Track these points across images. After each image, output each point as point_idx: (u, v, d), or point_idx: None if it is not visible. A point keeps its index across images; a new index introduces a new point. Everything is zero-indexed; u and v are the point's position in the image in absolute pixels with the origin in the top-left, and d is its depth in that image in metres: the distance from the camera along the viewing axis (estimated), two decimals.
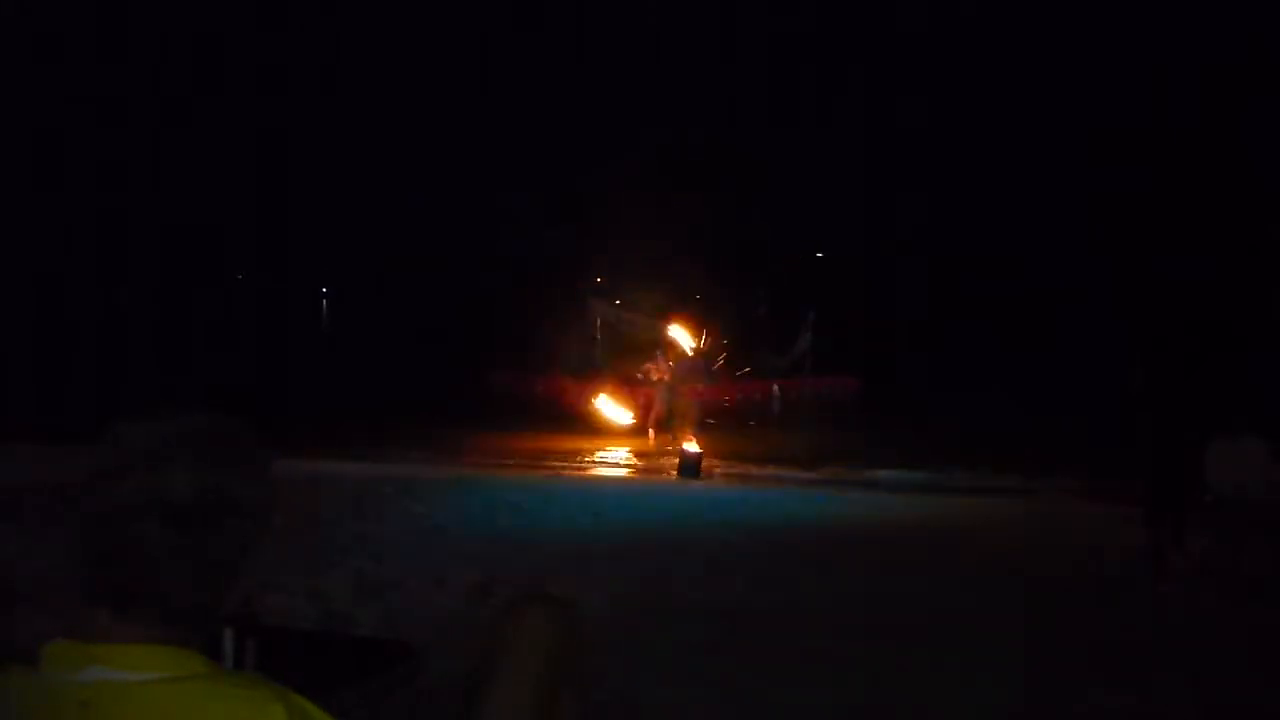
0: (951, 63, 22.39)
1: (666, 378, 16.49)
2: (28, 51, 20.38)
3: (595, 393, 17.48)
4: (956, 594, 6.17)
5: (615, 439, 16.22)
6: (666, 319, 18.70)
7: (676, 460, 12.83)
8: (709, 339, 18.33)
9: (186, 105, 22.07)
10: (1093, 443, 11.07)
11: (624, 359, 18.20)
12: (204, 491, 1.28)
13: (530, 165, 21.95)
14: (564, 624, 1.96)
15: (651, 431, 16.12)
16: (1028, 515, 9.40)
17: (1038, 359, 18.16)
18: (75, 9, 21.31)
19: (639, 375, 17.23)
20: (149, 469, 1.27)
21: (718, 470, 13.11)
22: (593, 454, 14.83)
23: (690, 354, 17.19)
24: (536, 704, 1.83)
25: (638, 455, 14.66)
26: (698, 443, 13.33)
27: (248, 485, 1.32)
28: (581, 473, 12.89)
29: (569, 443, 15.20)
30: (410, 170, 22.87)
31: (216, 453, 1.31)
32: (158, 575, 1.26)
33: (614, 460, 14.44)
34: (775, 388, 18.54)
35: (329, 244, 24.07)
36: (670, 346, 17.24)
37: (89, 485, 1.28)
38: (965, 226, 22.69)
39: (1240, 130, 19.57)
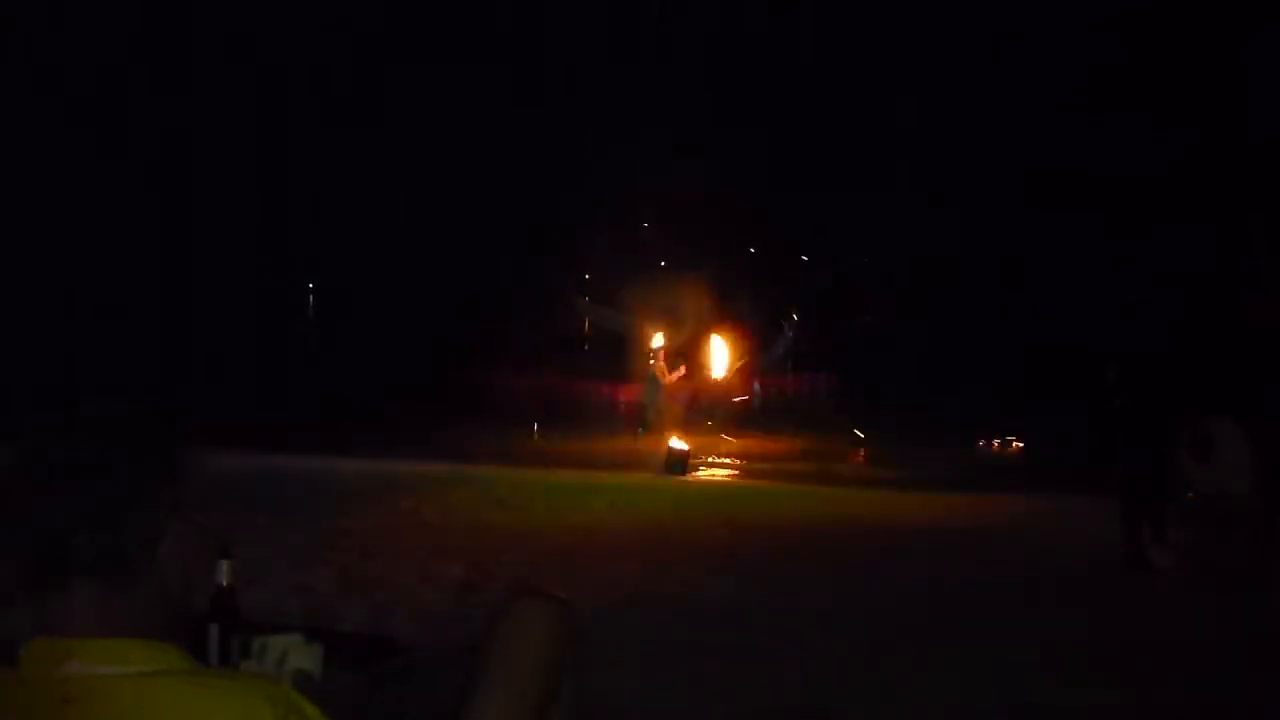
0: (947, 61, 22.36)
1: (655, 375, 16.50)
2: (24, 44, 20.20)
3: (585, 390, 17.51)
4: (947, 590, 6.19)
5: (603, 435, 16.23)
6: (655, 318, 18.72)
7: (664, 456, 12.84)
8: (697, 338, 18.35)
9: (184, 101, 21.93)
10: (1081, 439, 11.12)
11: (612, 358, 18.23)
12: (81, 447, 1.29)
13: (524, 163, 21.85)
14: (563, 622, 1.95)
15: (640, 428, 16.14)
16: (1017, 511, 9.44)
17: (1027, 356, 18.23)
18: (75, 4, 21.15)
19: (633, 372, 17.27)
20: (30, 440, 1.30)
21: (705, 466, 13.12)
22: (581, 450, 14.83)
23: (678, 353, 17.20)
24: (535, 702, 1.82)
25: (626, 451, 14.66)
26: (685, 439, 13.36)
27: (125, 434, 1.33)
28: (569, 469, 12.89)
29: (557, 439, 15.19)
30: (407, 168, 22.77)
31: (92, 416, 1.33)
32: (56, 531, 1.26)
33: (602, 456, 14.43)
34: (756, 385, 18.63)
35: (323, 241, 23.96)
36: (658, 345, 17.25)
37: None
38: (956, 223, 22.70)
39: (1230, 128, 19.64)
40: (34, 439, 1.31)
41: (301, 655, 1.84)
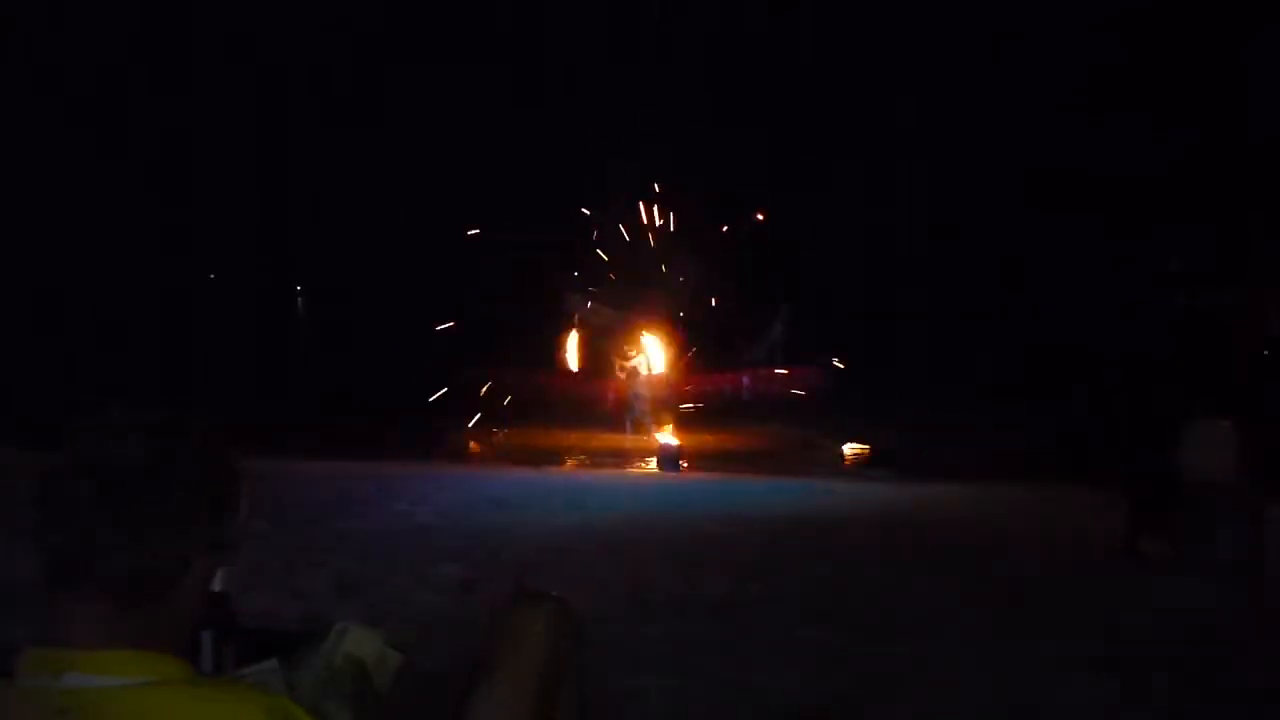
0: (947, 61, 22.43)
1: (644, 370, 16.55)
2: (24, 44, 20.26)
3: (576, 387, 17.55)
4: (941, 584, 6.19)
5: (595, 433, 16.23)
6: (644, 312, 18.74)
7: (655, 453, 12.88)
8: (686, 331, 18.39)
9: (184, 101, 21.98)
10: (1077, 434, 11.13)
11: (602, 352, 18.27)
12: (135, 457, 1.28)
13: (518, 161, 21.88)
14: (564, 624, 1.96)
15: (630, 424, 16.16)
16: (1011, 505, 9.44)
17: (1027, 356, 18.25)
18: (75, 4, 21.17)
19: (617, 368, 17.31)
20: (82, 440, 1.30)
21: (696, 462, 13.13)
22: (573, 448, 14.83)
23: (667, 347, 17.26)
24: (535, 704, 1.83)
25: (617, 448, 14.67)
26: (676, 435, 13.40)
27: (181, 453, 1.32)
28: (562, 467, 12.89)
29: (550, 437, 15.19)
30: (407, 168, 22.80)
31: (152, 425, 1.32)
32: (89, 538, 1.26)
33: (594, 454, 14.43)
34: (745, 379, 18.65)
35: (323, 241, 24.00)
36: (648, 340, 17.30)
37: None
38: (948, 222, 22.73)
39: (1230, 128, 19.69)
40: (87, 440, 1.31)
41: (359, 641, 1.85)
